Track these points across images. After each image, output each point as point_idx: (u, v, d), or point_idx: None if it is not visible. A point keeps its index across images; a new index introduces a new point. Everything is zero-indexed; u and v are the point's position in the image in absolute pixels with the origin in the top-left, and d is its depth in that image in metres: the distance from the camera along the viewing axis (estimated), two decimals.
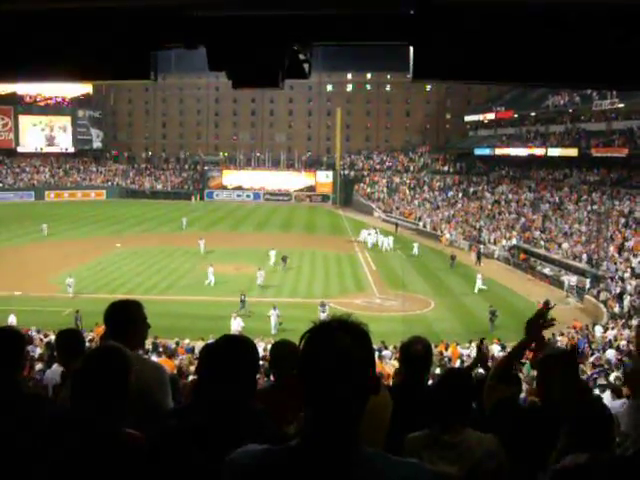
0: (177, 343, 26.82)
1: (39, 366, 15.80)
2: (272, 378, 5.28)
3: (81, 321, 30.44)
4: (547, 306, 4.99)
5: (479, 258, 51.68)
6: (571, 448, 2.79)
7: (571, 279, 42.72)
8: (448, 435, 3.93)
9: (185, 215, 71.14)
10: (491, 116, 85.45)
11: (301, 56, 3.58)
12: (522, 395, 10.08)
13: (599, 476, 1.74)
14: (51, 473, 3.19)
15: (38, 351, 20.18)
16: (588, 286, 41.42)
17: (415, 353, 4.97)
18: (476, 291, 42.06)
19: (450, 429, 3.96)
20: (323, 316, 32.17)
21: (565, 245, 50.51)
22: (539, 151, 70.83)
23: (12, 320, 29.98)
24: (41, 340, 25.09)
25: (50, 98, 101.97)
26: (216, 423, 2.85)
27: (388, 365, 19.31)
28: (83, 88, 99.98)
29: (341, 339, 2.01)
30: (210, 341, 3.35)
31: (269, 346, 6.13)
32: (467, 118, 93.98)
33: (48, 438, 3.24)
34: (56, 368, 11.55)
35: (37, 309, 33.70)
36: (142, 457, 3.12)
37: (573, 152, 65.04)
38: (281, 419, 2.40)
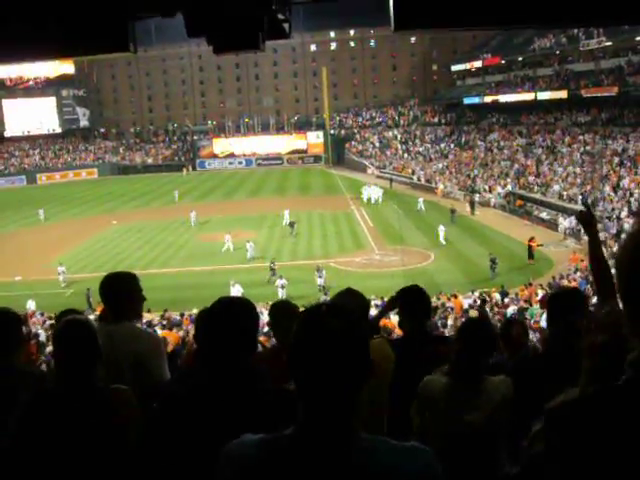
0: (182, 314, 26.92)
1: (49, 348, 15.87)
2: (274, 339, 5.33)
3: (93, 298, 30.49)
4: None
5: (473, 207, 51.78)
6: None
7: (567, 221, 42.78)
8: (468, 383, 4.01)
9: (177, 187, 70.94)
10: (478, 64, 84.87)
11: (280, 16, 3.53)
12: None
13: (593, 411, 1.73)
14: (43, 441, 3.27)
15: (43, 334, 20.23)
16: (568, 223, 41.80)
17: (411, 300, 5.04)
18: (442, 241, 41.87)
19: (470, 378, 4.03)
20: (320, 281, 32.33)
21: (556, 187, 50.53)
22: (528, 96, 70.49)
23: (31, 305, 30.10)
24: (43, 323, 25.18)
25: (33, 80, 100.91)
26: (215, 384, 2.86)
27: (390, 319, 19.39)
28: (65, 67, 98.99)
29: (331, 325, 1.95)
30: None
31: None
32: (454, 67, 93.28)
33: (34, 409, 3.36)
34: None
35: (39, 292, 33.72)
36: (132, 406, 3.30)
37: (563, 94, 64.77)
38: (283, 378, 2.39)
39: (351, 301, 4.28)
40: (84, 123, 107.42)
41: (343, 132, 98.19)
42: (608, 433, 1.64)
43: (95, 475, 3.24)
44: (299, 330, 1.99)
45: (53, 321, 23.43)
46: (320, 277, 32.75)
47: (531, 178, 55.44)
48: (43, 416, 3.31)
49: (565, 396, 1.88)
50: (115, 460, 3.25)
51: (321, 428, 1.94)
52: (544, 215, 46.93)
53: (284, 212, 49.60)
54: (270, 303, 24.78)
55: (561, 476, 1.71)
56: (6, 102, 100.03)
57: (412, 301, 5.06)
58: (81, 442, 3.23)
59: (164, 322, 23.88)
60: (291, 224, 46.42)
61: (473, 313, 22.94)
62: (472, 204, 52.26)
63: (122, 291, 4.61)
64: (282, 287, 32.18)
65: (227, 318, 2.93)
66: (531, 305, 24.87)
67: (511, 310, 23.92)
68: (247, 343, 2.97)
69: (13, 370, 4.28)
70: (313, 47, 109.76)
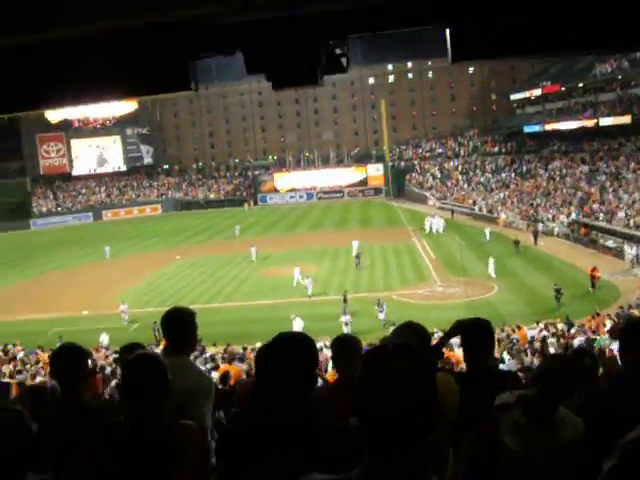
0: (244, 348, 27.02)
1: (114, 382, 16.12)
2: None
3: (159, 332, 30.77)
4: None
5: (536, 237, 50.86)
6: None
7: (633, 250, 41.72)
8: (542, 424, 3.83)
9: (238, 222, 71.73)
10: (537, 92, 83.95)
11: (337, 51, 3.57)
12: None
13: None
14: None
15: (108, 368, 20.57)
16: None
17: (473, 334, 4.98)
18: (491, 273, 41.25)
19: (546, 419, 3.85)
20: (381, 316, 31.86)
21: (621, 214, 49.38)
22: (590, 122, 69.25)
23: (104, 339, 30.60)
24: (106, 357, 25.61)
25: (100, 120, 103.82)
26: (274, 421, 2.84)
27: (455, 352, 19.11)
28: (129, 106, 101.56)
29: (397, 365, 1.91)
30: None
31: None
32: (513, 96, 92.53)
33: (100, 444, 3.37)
34: None
35: (105, 327, 34.35)
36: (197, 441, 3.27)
37: (626, 119, 63.45)
38: (346, 413, 2.35)
39: (412, 335, 4.21)
40: (148, 160, 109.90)
41: (403, 164, 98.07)
42: None
43: None
44: (365, 370, 1.96)
45: (117, 355, 23.86)
46: (381, 312, 32.34)
47: (595, 206, 54.33)
48: (113, 450, 3.32)
49: (638, 431, 1.82)
50: None
51: (390, 470, 1.89)
52: (610, 243, 45.84)
53: (352, 243, 49.84)
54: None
55: None
56: (74, 142, 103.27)
57: (474, 335, 4.97)
58: (150, 476, 3.25)
59: (225, 355, 24.00)
60: (357, 256, 46.18)
61: (537, 344, 22.47)
62: (535, 234, 51.36)
63: (184, 325, 4.72)
64: (346, 324, 31.64)
65: (286, 354, 2.92)
66: (599, 336, 24.22)
67: (577, 341, 23.32)
68: (305, 379, 2.94)
69: (79, 403, 4.38)
70: (371, 80, 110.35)
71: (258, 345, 27.22)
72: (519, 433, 3.81)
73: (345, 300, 34.78)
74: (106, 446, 3.35)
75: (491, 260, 41.85)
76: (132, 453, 3.27)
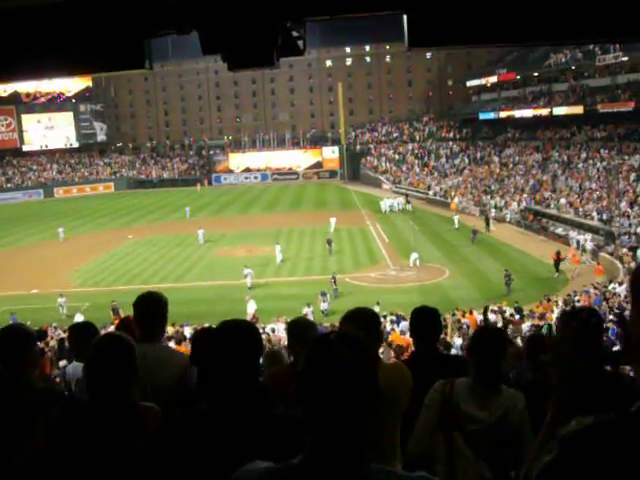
0: (195, 329, 26.90)
1: (62, 363, 15.89)
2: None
3: (118, 311, 30.37)
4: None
5: (488, 224, 51.52)
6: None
7: (582, 237, 42.58)
8: (481, 386, 4.23)
9: (191, 203, 71.33)
10: (493, 79, 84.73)
11: (294, 33, 3.54)
12: None
13: (608, 437, 1.70)
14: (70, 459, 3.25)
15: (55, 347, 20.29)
16: (590, 245, 41.39)
17: (422, 323, 5.16)
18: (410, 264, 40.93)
19: (482, 382, 4.25)
20: (324, 306, 31.55)
21: (562, 201, 50.49)
22: (544, 111, 70.27)
23: (78, 318, 30.00)
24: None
25: (50, 94, 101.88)
26: (218, 409, 2.83)
27: (406, 336, 19.30)
28: (82, 82, 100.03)
29: (340, 351, 1.93)
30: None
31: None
32: (469, 83, 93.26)
33: (62, 427, 3.33)
34: (77, 364, 11.61)
35: (54, 306, 33.87)
36: (158, 427, 3.22)
37: (579, 109, 64.51)
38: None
39: (360, 325, 4.20)
40: (101, 137, 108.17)
41: (358, 147, 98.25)
42: (625, 461, 1.62)
43: None
44: (308, 359, 1.97)
45: (65, 334, 23.52)
46: (324, 302, 32.01)
47: (547, 193, 55.20)
48: (73, 430, 3.28)
49: (578, 423, 1.85)
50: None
51: (330, 458, 1.90)
52: (560, 231, 46.69)
53: (330, 220, 50.79)
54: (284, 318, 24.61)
55: None
56: (25, 117, 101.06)
57: (421, 322, 5.10)
58: (108, 456, 3.20)
59: (175, 336, 23.85)
60: (328, 241, 45.07)
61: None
62: (487, 220, 52.01)
63: (158, 311, 4.69)
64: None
65: (229, 342, 2.90)
66: (546, 321, 24.68)
67: (525, 326, 23.76)
68: (248, 367, 2.93)
69: (27, 387, 4.27)
70: (329, 62, 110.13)
71: (207, 326, 27.16)
72: (470, 396, 4.21)
73: (334, 282, 35.03)
74: (65, 427, 3.30)
75: (414, 255, 40.96)
76: (90, 434, 3.23)
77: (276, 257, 42.80)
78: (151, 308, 4.67)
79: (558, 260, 37.27)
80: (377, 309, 30.53)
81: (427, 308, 5.30)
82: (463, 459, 4.16)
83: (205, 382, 2.98)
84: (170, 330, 24.83)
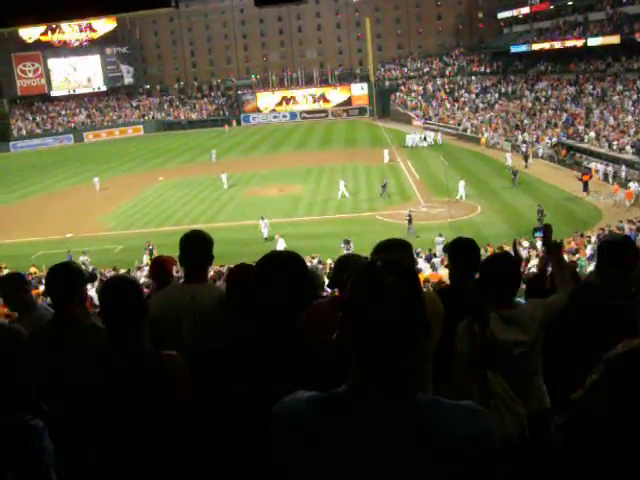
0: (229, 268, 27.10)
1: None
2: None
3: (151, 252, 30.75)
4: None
5: (526, 159, 50.24)
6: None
7: (607, 168, 42.38)
8: (504, 311, 4.32)
9: (220, 144, 71.29)
10: (526, 10, 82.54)
11: None
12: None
13: None
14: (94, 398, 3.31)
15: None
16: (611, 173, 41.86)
17: (457, 252, 5.11)
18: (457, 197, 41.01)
19: (503, 305, 4.35)
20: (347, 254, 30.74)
21: (592, 134, 49.52)
22: (579, 42, 68.28)
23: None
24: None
25: (75, 39, 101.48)
26: (263, 337, 2.82)
27: (439, 272, 19.32)
28: (107, 25, 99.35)
29: (389, 281, 1.89)
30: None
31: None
32: (500, 15, 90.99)
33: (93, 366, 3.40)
34: None
35: (89, 249, 34.35)
36: (181, 374, 3.25)
37: (615, 39, 62.53)
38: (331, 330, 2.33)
39: (398, 251, 4.16)
40: (128, 80, 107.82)
41: (388, 83, 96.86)
42: None
43: (141, 439, 3.24)
44: (354, 288, 1.93)
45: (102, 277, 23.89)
46: (347, 250, 30.05)
47: (581, 127, 54.14)
48: (98, 378, 3.33)
49: (624, 346, 1.83)
50: (160, 424, 3.25)
51: (377, 387, 1.90)
52: (593, 165, 45.90)
53: (384, 152, 51.96)
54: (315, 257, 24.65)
55: (627, 426, 1.68)
56: (51, 62, 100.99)
57: (459, 253, 5.04)
58: (130, 405, 3.23)
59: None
60: (383, 186, 43.40)
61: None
62: (525, 156, 50.97)
63: (206, 251, 4.69)
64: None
65: (276, 272, 2.87)
66: (579, 256, 24.51)
67: None
68: (296, 297, 2.89)
69: (76, 323, 4.37)
70: None
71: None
72: (502, 324, 4.31)
73: (410, 220, 34.35)
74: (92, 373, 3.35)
75: (462, 183, 41.40)
76: (111, 383, 3.26)
77: (339, 192, 43.16)
78: (199, 247, 4.64)
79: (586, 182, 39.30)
80: (440, 239, 30.68)
81: (463, 239, 5.26)
82: (498, 398, 4.15)
83: (255, 311, 2.94)
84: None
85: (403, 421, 1.87)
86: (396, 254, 4.06)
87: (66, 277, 4.40)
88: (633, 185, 38.11)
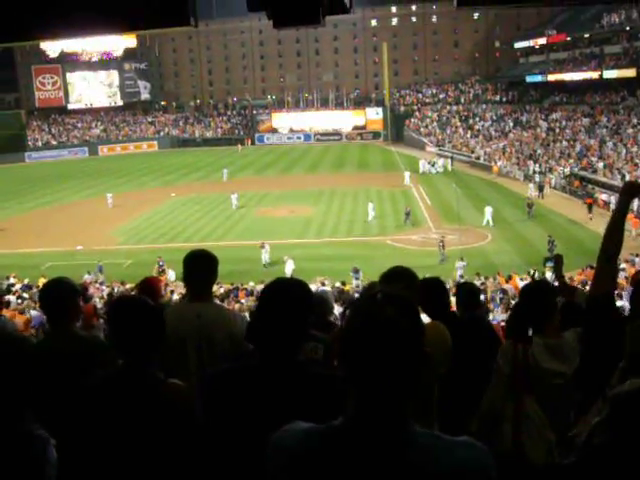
0: (237, 287, 27.17)
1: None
2: None
3: (163, 267, 30.91)
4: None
5: (541, 190, 50.01)
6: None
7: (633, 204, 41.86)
8: (550, 338, 4.36)
9: (233, 163, 71.72)
10: (542, 41, 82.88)
11: None
12: None
13: None
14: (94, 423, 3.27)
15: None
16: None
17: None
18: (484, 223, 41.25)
19: (548, 333, 4.39)
20: (356, 283, 29.18)
21: (600, 165, 49.30)
22: (594, 74, 68.43)
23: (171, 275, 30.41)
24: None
25: (95, 53, 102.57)
26: (267, 366, 2.82)
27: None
28: (127, 41, 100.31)
29: (388, 313, 1.88)
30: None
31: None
32: (517, 45, 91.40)
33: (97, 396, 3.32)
34: None
35: (100, 262, 34.43)
36: (183, 406, 3.16)
37: (631, 73, 62.67)
38: None
39: (401, 283, 4.13)
40: (145, 96, 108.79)
41: (402, 109, 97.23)
42: None
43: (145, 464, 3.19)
44: (353, 318, 1.93)
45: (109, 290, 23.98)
46: (356, 279, 29.62)
47: (594, 159, 54.09)
48: (104, 401, 3.26)
49: (631, 384, 1.82)
50: (164, 452, 3.18)
51: (373, 421, 1.88)
52: (604, 197, 45.78)
53: (405, 175, 52.70)
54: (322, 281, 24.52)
55: (630, 465, 1.67)
56: (70, 75, 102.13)
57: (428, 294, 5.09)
58: (135, 431, 3.17)
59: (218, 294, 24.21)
60: (407, 214, 42.88)
61: None
62: (540, 187, 50.59)
63: (210, 270, 4.62)
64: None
65: (283, 302, 2.88)
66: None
67: None
68: (300, 325, 2.90)
69: (68, 335, 4.45)
70: (374, 22, 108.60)
71: (251, 285, 27.43)
72: (546, 353, 4.35)
73: (443, 246, 34.05)
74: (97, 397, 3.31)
75: (488, 209, 41.71)
76: (121, 409, 3.21)
77: (368, 214, 43.77)
78: (203, 266, 4.61)
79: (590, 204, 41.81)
80: (461, 264, 30.72)
81: (431, 279, 5.38)
82: (531, 421, 4.22)
83: (257, 338, 2.95)
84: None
85: (400, 455, 1.86)
86: (399, 285, 4.03)
87: (58, 292, 4.49)
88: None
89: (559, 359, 4.29)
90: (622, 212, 4.26)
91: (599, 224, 37.59)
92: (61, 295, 4.48)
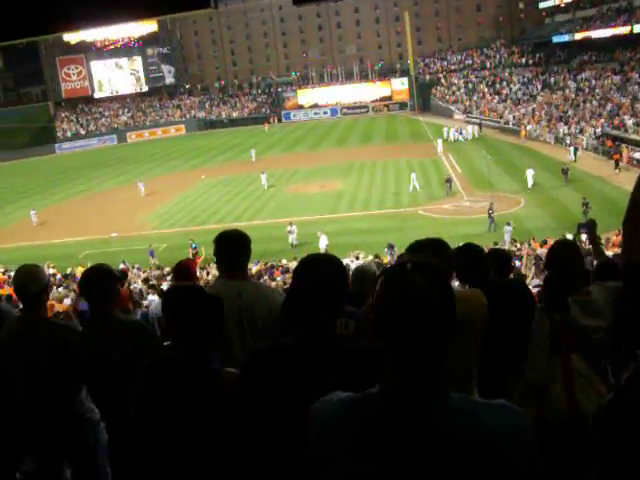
0: (272, 266, 27.28)
1: (146, 302, 16.34)
2: None
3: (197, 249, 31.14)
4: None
5: (575, 153, 48.99)
6: None
7: None
8: (580, 296, 4.43)
9: (260, 142, 71.80)
10: None
11: None
12: None
13: None
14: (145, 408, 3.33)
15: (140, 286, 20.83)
16: None
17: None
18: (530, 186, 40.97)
19: (577, 291, 4.46)
20: (390, 259, 28.44)
21: (629, 121, 48.53)
22: (624, 29, 66.73)
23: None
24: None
25: (117, 40, 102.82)
26: (305, 344, 2.84)
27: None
28: (148, 26, 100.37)
29: (418, 282, 1.90)
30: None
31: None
32: (542, 4, 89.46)
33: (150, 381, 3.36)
34: (158, 301, 11.98)
35: (134, 248, 34.82)
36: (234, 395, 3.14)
37: None
38: None
39: (431, 252, 4.06)
40: (170, 80, 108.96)
41: (428, 77, 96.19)
42: None
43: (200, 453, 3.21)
44: (384, 289, 1.95)
45: (145, 275, 24.19)
46: (390, 255, 28.93)
47: (626, 117, 53.09)
48: (158, 389, 3.28)
49: None
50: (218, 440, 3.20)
51: (409, 388, 1.91)
52: (638, 156, 44.98)
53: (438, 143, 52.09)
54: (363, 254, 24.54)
55: None
56: (94, 64, 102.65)
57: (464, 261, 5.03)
58: (189, 419, 3.20)
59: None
60: (448, 180, 42.89)
61: None
62: (575, 150, 49.50)
63: (245, 248, 4.65)
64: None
65: (313, 275, 2.88)
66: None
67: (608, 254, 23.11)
68: (334, 300, 2.91)
69: (117, 322, 4.57)
70: None
71: (284, 262, 27.54)
72: (581, 310, 4.43)
73: (490, 216, 33.86)
74: (151, 384, 3.34)
75: (530, 171, 41.59)
76: (174, 396, 3.23)
77: (412, 184, 43.53)
78: (235, 245, 4.62)
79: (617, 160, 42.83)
80: (509, 228, 30.73)
81: (467, 246, 5.27)
82: (582, 378, 4.29)
83: (292, 315, 2.97)
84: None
85: (434, 421, 1.89)
86: (428, 254, 3.96)
87: (99, 278, 4.62)
88: None
89: (593, 315, 4.33)
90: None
91: (627, 180, 37.11)
92: (102, 281, 4.57)
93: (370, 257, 26.20)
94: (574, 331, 4.30)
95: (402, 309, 1.88)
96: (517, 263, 21.86)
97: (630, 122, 50.00)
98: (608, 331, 4.22)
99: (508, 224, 31.21)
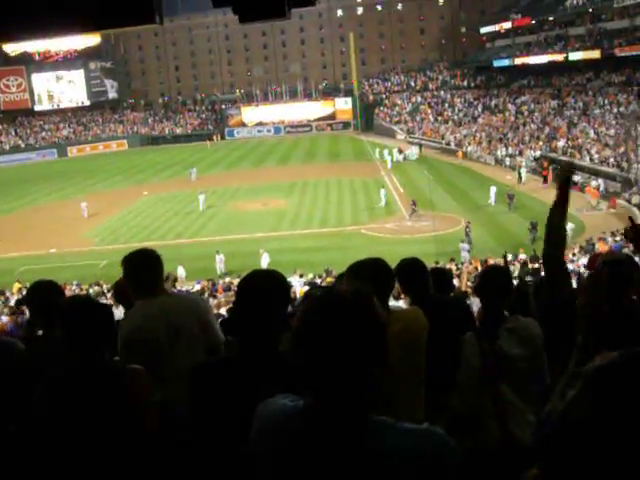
0: (213, 283, 27.12)
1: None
2: None
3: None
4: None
5: (520, 177, 49.40)
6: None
7: (598, 182, 42.60)
8: (509, 323, 4.35)
9: (203, 159, 71.56)
10: (507, 25, 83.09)
11: None
12: None
13: (635, 370, 1.70)
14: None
15: None
16: (602, 186, 42.90)
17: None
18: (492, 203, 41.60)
19: (506, 318, 4.40)
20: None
21: (560, 143, 50.01)
22: (560, 56, 68.81)
23: (181, 272, 30.08)
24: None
25: (59, 53, 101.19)
26: (246, 360, 2.85)
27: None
28: (91, 39, 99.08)
29: (339, 309, 1.87)
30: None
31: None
32: (483, 30, 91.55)
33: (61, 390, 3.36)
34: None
35: (74, 264, 34.16)
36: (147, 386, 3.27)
37: (595, 54, 63.05)
38: None
39: (368, 277, 3.90)
40: (112, 95, 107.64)
41: (371, 98, 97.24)
42: None
43: (109, 455, 3.21)
44: (305, 314, 1.93)
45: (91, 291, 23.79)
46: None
47: (562, 141, 54.50)
48: (60, 397, 3.30)
49: (602, 358, 1.84)
50: (129, 439, 3.24)
51: (322, 409, 1.89)
52: (576, 178, 46.07)
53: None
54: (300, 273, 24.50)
55: (608, 440, 1.69)
56: (35, 76, 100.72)
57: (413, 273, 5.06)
58: (96, 422, 3.21)
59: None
60: (413, 203, 41.35)
61: None
62: (519, 174, 49.82)
63: (159, 264, 4.58)
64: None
65: (261, 291, 2.91)
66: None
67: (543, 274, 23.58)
68: (279, 316, 2.93)
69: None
70: (339, 12, 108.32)
71: (227, 280, 27.40)
72: (508, 337, 4.33)
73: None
74: (53, 394, 3.33)
75: (492, 189, 43.42)
76: (77, 400, 3.24)
77: (381, 200, 44.58)
78: (148, 262, 4.54)
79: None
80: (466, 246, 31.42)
81: (416, 259, 5.20)
82: (513, 408, 4.21)
83: (237, 331, 2.98)
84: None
85: (357, 444, 1.86)
86: (366, 276, 3.81)
87: (41, 293, 4.59)
88: (594, 183, 41.66)
89: (521, 343, 4.25)
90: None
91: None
92: (47, 297, 4.49)
93: (311, 275, 26.29)
94: (502, 360, 4.22)
95: (316, 335, 1.85)
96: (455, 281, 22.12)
97: (560, 143, 51.80)
98: (532, 360, 4.27)
99: (462, 242, 31.95)
